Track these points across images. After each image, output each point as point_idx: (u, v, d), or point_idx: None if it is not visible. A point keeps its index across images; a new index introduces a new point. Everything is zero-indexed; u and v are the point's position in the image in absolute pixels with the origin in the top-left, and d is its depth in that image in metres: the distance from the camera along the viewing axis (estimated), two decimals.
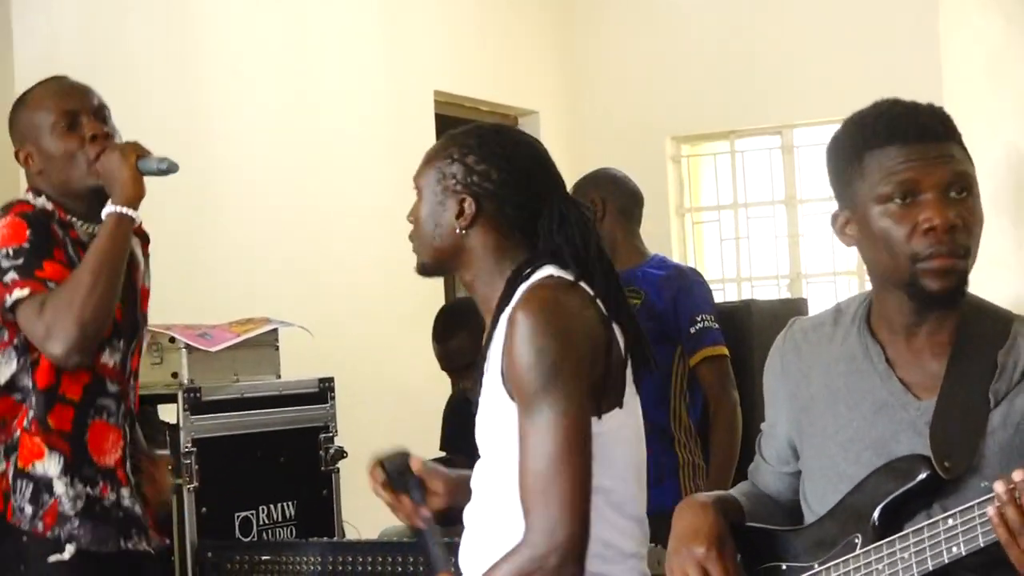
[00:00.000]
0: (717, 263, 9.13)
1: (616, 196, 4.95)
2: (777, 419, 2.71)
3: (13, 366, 3.45)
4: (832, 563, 2.45)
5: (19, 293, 3.34)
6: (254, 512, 4.41)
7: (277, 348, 4.70)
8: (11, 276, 3.35)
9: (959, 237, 2.39)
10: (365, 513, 4.77)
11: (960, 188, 2.40)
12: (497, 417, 2.80)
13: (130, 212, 3.39)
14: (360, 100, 7.30)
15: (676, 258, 8.93)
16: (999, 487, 2.16)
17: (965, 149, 2.46)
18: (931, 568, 2.29)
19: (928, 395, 2.47)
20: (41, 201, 3.49)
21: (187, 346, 4.35)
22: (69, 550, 3.43)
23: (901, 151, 2.42)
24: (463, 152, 2.89)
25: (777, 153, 8.89)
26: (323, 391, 4.68)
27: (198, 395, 4.34)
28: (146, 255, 3.71)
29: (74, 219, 3.50)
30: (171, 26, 6.25)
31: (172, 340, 4.40)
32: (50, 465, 3.44)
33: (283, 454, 4.50)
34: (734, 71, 8.54)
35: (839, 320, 2.63)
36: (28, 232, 3.38)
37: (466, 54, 8.24)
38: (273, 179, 6.54)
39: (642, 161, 8.75)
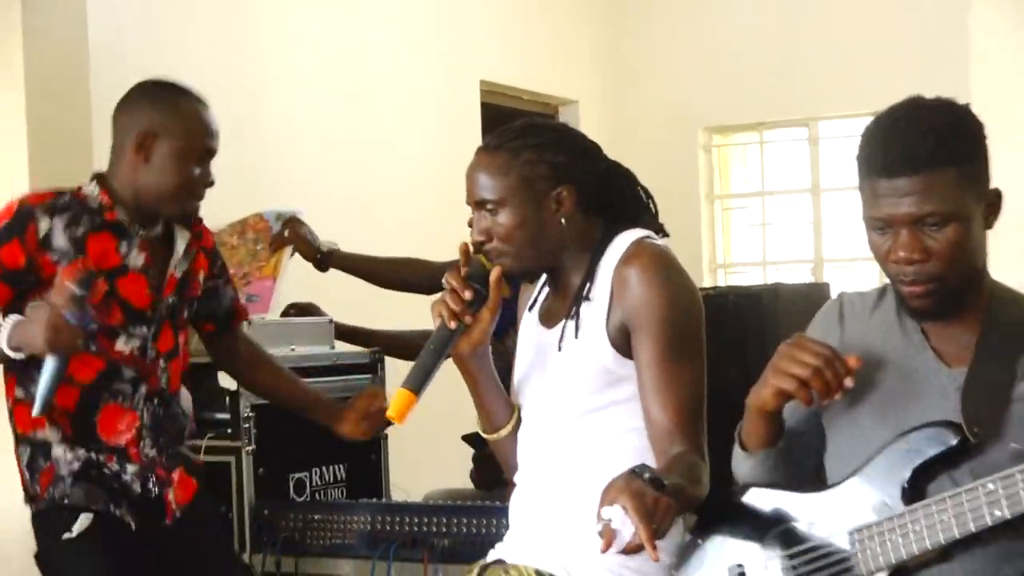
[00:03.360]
0: (744, 247, 9.14)
1: None
2: None
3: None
4: (868, 524, 2.44)
5: None
6: (307, 474, 4.41)
7: (331, 321, 4.71)
8: None
9: (927, 268, 2.43)
10: (411, 477, 4.79)
11: (933, 221, 2.41)
12: (598, 373, 2.87)
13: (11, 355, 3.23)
14: (411, 91, 7.31)
15: (704, 244, 8.97)
16: None
17: (967, 168, 2.43)
18: (973, 529, 2.29)
19: (958, 365, 2.50)
20: (90, 188, 3.47)
21: (247, 321, 4.36)
22: (78, 526, 3.40)
23: (880, 185, 2.44)
24: (539, 151, 2.92)
25: (803, 144, 8.88)
26: (373, 362, 4.68)
27: None
28: (202, 247, 3.71)
29: (119, 208, 3.47)
30: (234, 16, 6.26)
31: None
32: (50, 434, 3.44)
33: None
34: (764, 66, 8.53)
35: (883, 296, 2.66)
36: (5, 221, 3.36)
37: (511, 45, 8.25)
38: (329, 165, 6.55)
39: (675, 150, 8.81)
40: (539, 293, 3.11)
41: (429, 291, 4.69)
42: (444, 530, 3.84)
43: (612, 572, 2.83)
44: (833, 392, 2.43)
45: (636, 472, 2.46)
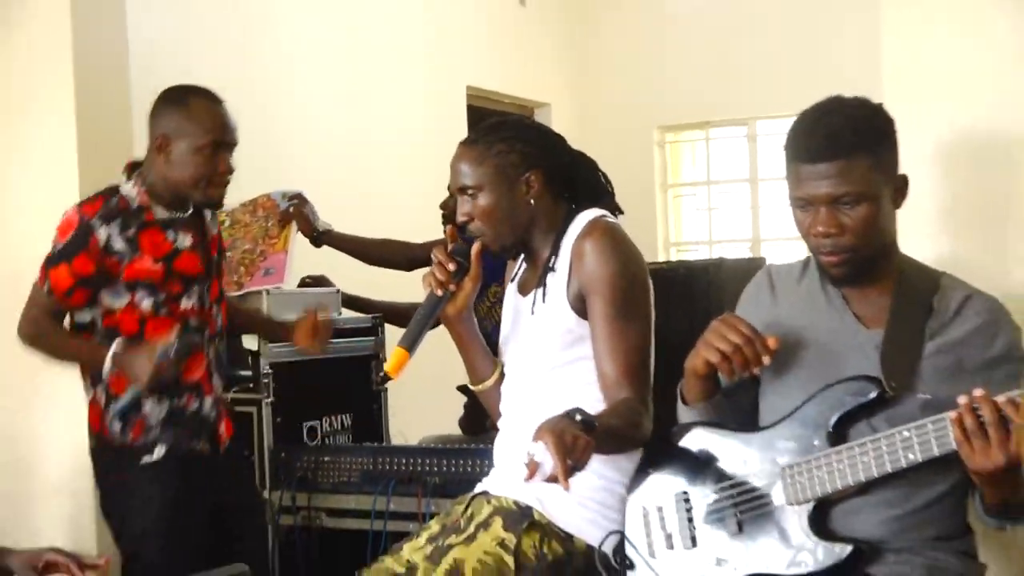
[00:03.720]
0: (693, 229, 9.15)
1: None
2: None
3: (87, 316, 3.48)
4: (797, 461, 2.45)
5: (35, 278, 3.46)
6: (318, 422, 4.40)
7: (338, 291, 4.70)
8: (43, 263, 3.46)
9: (841, 241, 2.44)
10: (408, 425, 4.79)
11: (847, 200, 2.41)
12: (562, 333, 2.87)
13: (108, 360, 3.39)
14: (405, 95, 7.27)
15: (659, 225, 8.98)
16: (962, 399, 2.18)
17: (878, 155, 2.44)
18: (889, 470, 2.31)
19: (875, 326, 2.51)
20: (128, 189, 3.48)
21: (267, 291, 4.36)
22: (158, 452, 3.48)
23: (803, 169, 2.45)
24: (511, 143, 2.93)
25: (743, 140, 8.88)
26: (375, 326, 4.66)
27: None
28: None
29: (156, 205, 3.49)
30: (252, 23, 6.24)
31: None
32: (144, 396, 3.48)
33: (342, 376, 4.49)
34: (708, 74, 8.54)
35: (807, 267, 2.66)
36: (70, 234, 3.41)
37: (493, 55, 8.24)
38: (330, 157, 6.52)
39: (633, 145, 8.81)
40: (519, 267, 3.11)
41: (407, 268, 4.72)
42: (436, 469, 3.83)
43: (577, 501, 2.83)
44: (752, 367, 2.46)
45: (569, 414, 2.49)
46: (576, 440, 2.40)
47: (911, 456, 2.27)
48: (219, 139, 3.46)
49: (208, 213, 3.64)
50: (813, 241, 2.48)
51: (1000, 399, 2.15)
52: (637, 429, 2.75)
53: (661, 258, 8.71)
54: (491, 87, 8.20)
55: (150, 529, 3.43)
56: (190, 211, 3.57)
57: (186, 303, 3.53)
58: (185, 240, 3.53)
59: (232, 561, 3.20)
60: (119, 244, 3.42)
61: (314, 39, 6.62)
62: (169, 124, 3.46)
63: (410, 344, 2.86)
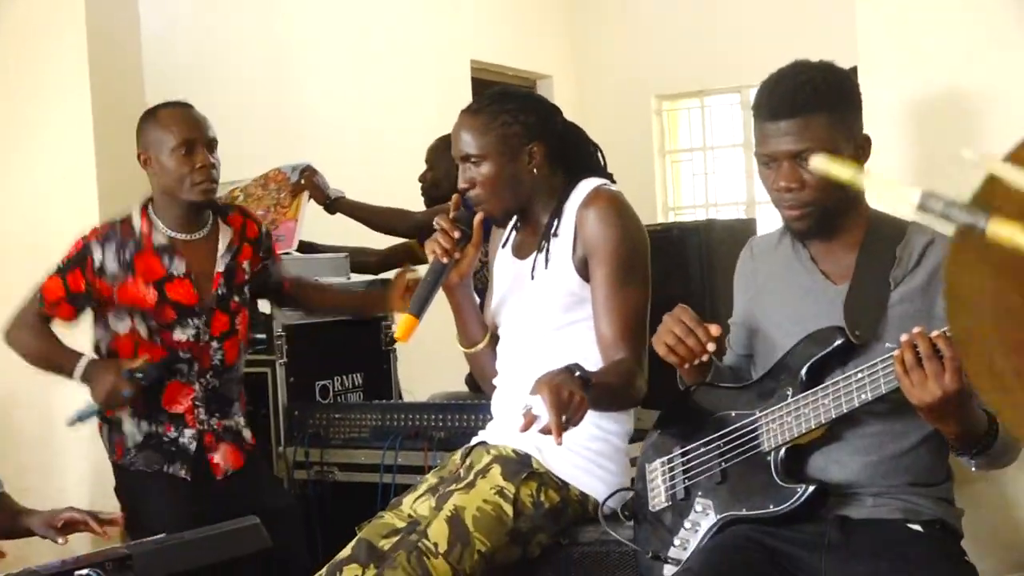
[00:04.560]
0: (690, 192, 9.13)
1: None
2: (738, 311, 2.77)
3: (98, 335, 3.57)
4: (770, 409, 2.48)
5: (42, 283, 3.53)
6: (330, 381, 4.42)
7: (347, 256, 4.71)
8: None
9: (801, 195, 2.46)
10: (417, 383, 4.81)
11: (807, 155, 2.41)
12: (565, 295, 2.88)
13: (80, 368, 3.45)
14: (412, 69, 7.26)
15: (658, 190, 8.97)
16: (903, 338, 2.20)
17: (837, 114, 2.45)
18: (845, 411, 2.34)
19: (843, 282, 2.53)
20: (135, 216, 3.52)
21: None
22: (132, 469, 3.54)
23: (767, 127, 2.47)
24: (514, 114, 2.91)
25: (737, 107, 8.85)
26: (383, 289, 4.67)
27: None
28: (247, 239, 3.68)
29: (158, 222, 3.52)
30: (268, 9, 6.23)
31: None
32: (123, 411, 3.53)
33: (353, 336, 4.51)
34: (703, 44, 8.50)
35: (783, 235, 2.67)
36: (74, 252, 3.50)
37: (496, 29, 8.21)
38: (342, 128, 6.53)
39: (633, 114, 8.81)
40: (509, 233, 3.11)
41: (411, 236, 4.74)
42: (441, 424, 3.85)
43: (573, 451, 2.86)
44: (696, 356, 2.47)
45: (569, 369, 2.51)
46: (572, 396, 2.43)
47: (863, 396, 2.30)
48: (188, 137, 3.45)
49: (223, 245, 3.59)
50: (776, 196, 2.49)
51: (934, 334, 2.17)
52: (631, 388, 2.78)
53: (660, 221, 8.71)
54: (494, 60, 8.18)
55: (155, 521, 3.34)
56: (205, 230, 3.58)
57: (179, 334, 3.51)
58: (179, 267, 3.51)
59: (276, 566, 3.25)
60: (112, 267, 3.46)
61: (322, 17, 6.61)
62: (147, 140, 3.50)
63: (417, 310, 2.87)
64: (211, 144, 3.49)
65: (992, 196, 1.21)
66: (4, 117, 4.23)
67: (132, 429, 3.53)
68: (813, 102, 2.43)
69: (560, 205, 2.92)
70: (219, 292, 3.57)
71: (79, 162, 4.02)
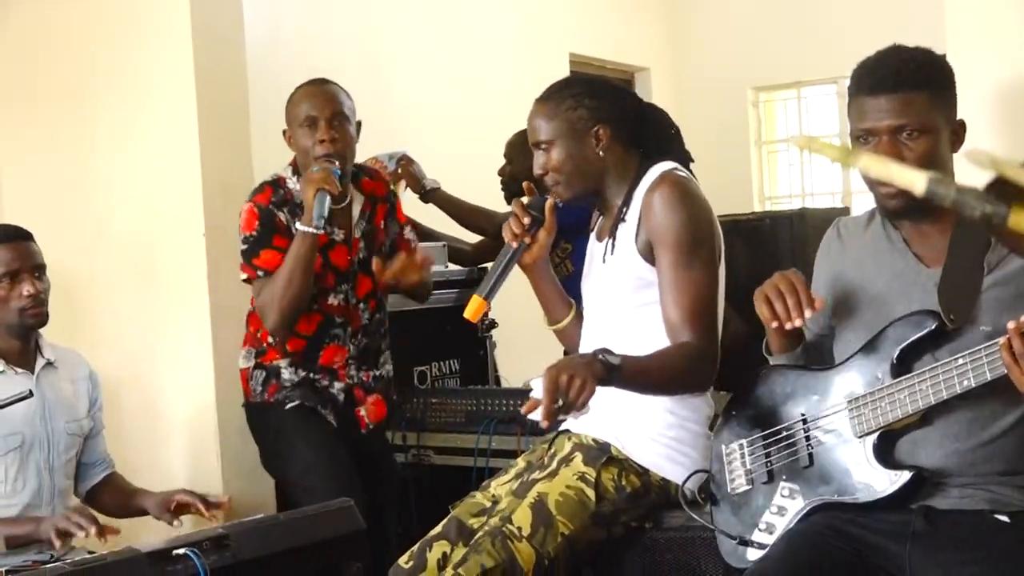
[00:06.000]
0: (786, 182, 9.03)
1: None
2: (818, 290, 2.65)
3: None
4: (863, 393, 2.41)
5: (242, 275, 3.58)
6: (428, 367, 4.44)
7: (445, 245, 4.70)
8: (243, 258, 3.55)
9: None
10: (514, 369, 4.79)
11: (909, 132, 2.35)
12: (633, 279, 2.85)
13: (308, 229, 3.41)
14: (512, 64, 7.21)
15: (754, 179, 8.87)
16: (1011, 324, 2.11)
17: (938, 93, 2.39)
18: (945, 397, 2.27)
19: (936, 265, 2.44)
20: (292, 183, 3.58)
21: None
22: (291, 405, 3.60)
23: (867, 103, 2.39)
24: (578, 99, 2.90)
25: (832, 98, 8.71)
26: (480, 277, 4.64)
27: None
28: (378, 197, 3.75)
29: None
30: (369, 11, 6.24)
31: None
32: (282, 363, 3.62)
33: (450, 324, 4.49)
34: (799, 35, 8.40)
35: (873, 216, 2.60)
36: (256, 224, 3.52)
37: (595, 23, 8.15)
38: (444, 120, 6.53)
39: (729, 106, 8.73)
40: (597, 217, 3.08)
41: (495, 236, 4.68)
42: None
43: (651, 438, 2.82)
44: (790, 318, 2.41)
45: (594, 353, 2.52)
46: (572, 381, 2.41)
47: (965, 382, 2.22)
48: (313, 114, 3.53)
49: (356, 210, 3.65)
50: None
51: None
52: (688, 372, 2.72)
53: (757, 210, 8.61)
54: (593, 54, 8.12)
55: (312, 461, 3.52)
56: (346, 201, 3.63)
57: (332, 299, 3.61)
58: (338, 234, 3.61)
59: (373, 500, 3.33)
60: (290, 229, 3.52)
61: (418, 14, 6.60)
62: (287, 117, 3.61)
63: (486, 292, 2.88)
64: (332, 120, 3.53)
65: (1005, 188, 1.15)
66: (111, 117, 4.27)
67: (289, 375, 3.61)
68: (916, 79, 2.36)
69: (631, 189, 2.89)
70: (361, 255, 3.66)
71: (185, 161, 4.04)
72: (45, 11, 4.44)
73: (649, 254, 2.82)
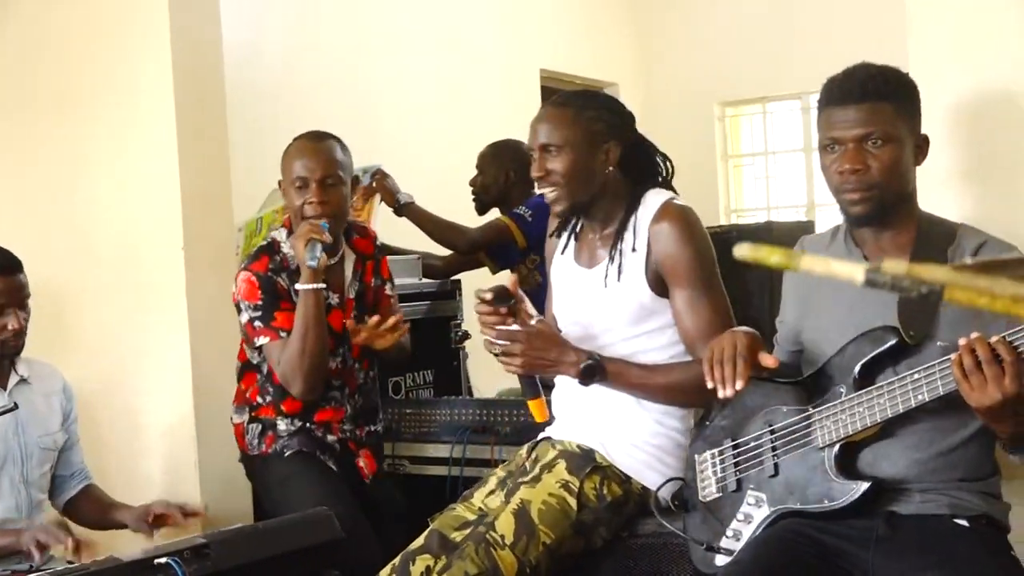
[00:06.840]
0: (752, 196, 9.09)
1: (522, 161, 4.51)
2: (787, 309, 2.73)
3: (256, 357, 3.55)
4: (824, 406, 2.46)
5: (262, 340, 3.44)
6: (403, 377, 4.43)
7: (419, 258, 4.71)
8: (257, 323, 3.42)
9: (865, 178, 2.42)
10: (486, 380, 4.80)
11: (875, 140, 2.41)
12: (636, 308, 2.86)
13: (309, 287, 3.33)
14: (484, 78, 7.27)
15: (721, 193, 8.92)
16: (961, 341, 2.15)
17: (903, 105, 2.45)
18: (901, 410, 2.31)
19: None
20: (286, 247, 3.48)
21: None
22: (289, 451, 3.50)
23: (835, 113, 2.44)
24: (600, 112, 2.90)
25: (797, 113, 8.79)
26: (452, 289, 4.68)
27: None
28: (365, 256, 3.66)
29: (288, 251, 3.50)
30: (350, 22, 6.25)
31: None
32: (277, 418, 3.54)
33: (424, 335, 4.50)
34: (764, 52, 8.48)
35: (835, 234, 2.63)
36: (260, 293, 3.42)
37: (564, 39, 8.21)
38: (418, 131, 6.55)
39: (696, 120, 8.78)
40: (567, 241, 3.07)
41: (466, 252, 4.69)
42: (507, 419, 3.84)
43: (636, 445, 2.85)
44: (725, 387, 2.43)
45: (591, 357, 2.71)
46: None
47: (920, 396, 2.27)
48: (303, 175, 3.42)
49: (348, 270, 3.58)
50: (838, 180, 2.45)
51: (994, 339, 2.13)
52: (694, 389, 2.71)
53: (721, 223, 8.66)
54: (563, 69, 8.17)
55: (321, 497, 3.28)
56: (339, 255, 3.56)
57: (331, 362, 3.50)
58: (333, 298, 3.52)
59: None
60: (291, 290, 3.45)
61: (396, 27, 6.62)
62: (281, 170, 3.50)
63: (534, 393, 2.87)
64: (323, 182, 3.41)
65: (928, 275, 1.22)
66: (89, 126, 4.26)
67: (286, 426, 3.53)
68: (882, 91, 2.42)
69: (629, 214, 2.89)
70: (354, 315, 3.56)
71: (163, 175, 4.04)
72: (24, 30, 4.44)
73: (656, 283, 2.84)
